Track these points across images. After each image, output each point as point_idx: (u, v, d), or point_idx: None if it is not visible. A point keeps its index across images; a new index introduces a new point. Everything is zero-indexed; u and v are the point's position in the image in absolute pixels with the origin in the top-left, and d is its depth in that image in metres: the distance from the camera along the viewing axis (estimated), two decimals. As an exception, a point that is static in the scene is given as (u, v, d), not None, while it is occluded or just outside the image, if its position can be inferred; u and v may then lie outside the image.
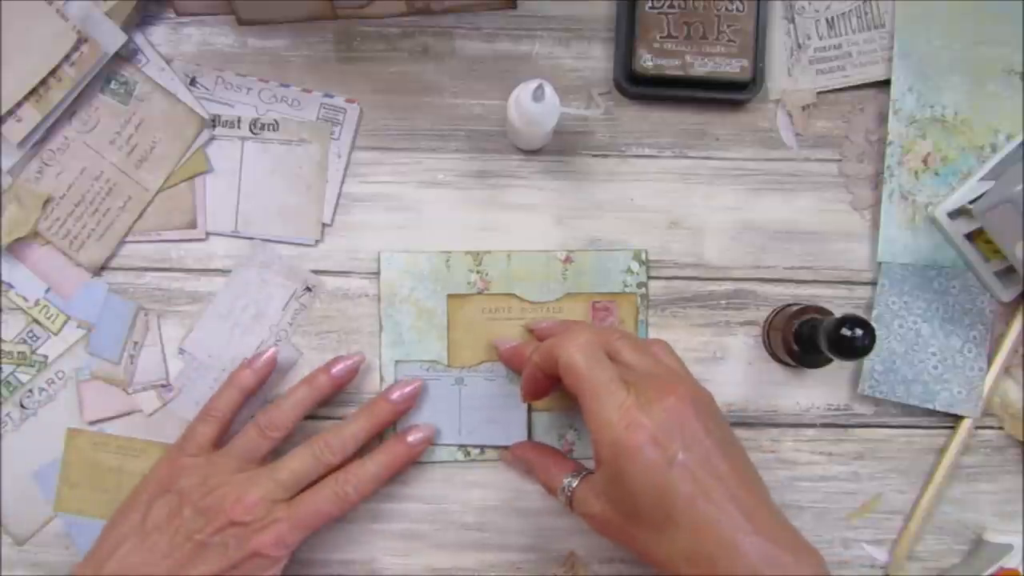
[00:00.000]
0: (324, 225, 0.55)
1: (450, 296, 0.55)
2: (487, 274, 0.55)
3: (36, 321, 0.54)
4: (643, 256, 0.56)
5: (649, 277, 0.56)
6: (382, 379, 0.55)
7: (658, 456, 0.41)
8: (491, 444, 0.55)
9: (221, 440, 0.51)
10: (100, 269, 0.54)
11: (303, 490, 0.50)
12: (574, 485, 0.48)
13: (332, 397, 0.54)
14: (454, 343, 0.55)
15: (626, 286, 0.56)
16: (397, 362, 0.55)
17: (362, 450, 0.52)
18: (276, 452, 0.51)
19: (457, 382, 0.55)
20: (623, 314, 0.56)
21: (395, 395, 0.53)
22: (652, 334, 0.56)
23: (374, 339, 0.55)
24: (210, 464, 0.50)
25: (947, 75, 0.56)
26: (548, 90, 0.48)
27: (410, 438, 0.53)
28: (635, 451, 0.42)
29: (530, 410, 0.55)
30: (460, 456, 0.55)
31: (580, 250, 0.56)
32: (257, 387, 0.53)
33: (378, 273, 0.55)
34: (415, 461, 0.54)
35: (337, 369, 0.52)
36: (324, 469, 0.50)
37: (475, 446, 0.55)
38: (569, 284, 0.56)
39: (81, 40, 0.51)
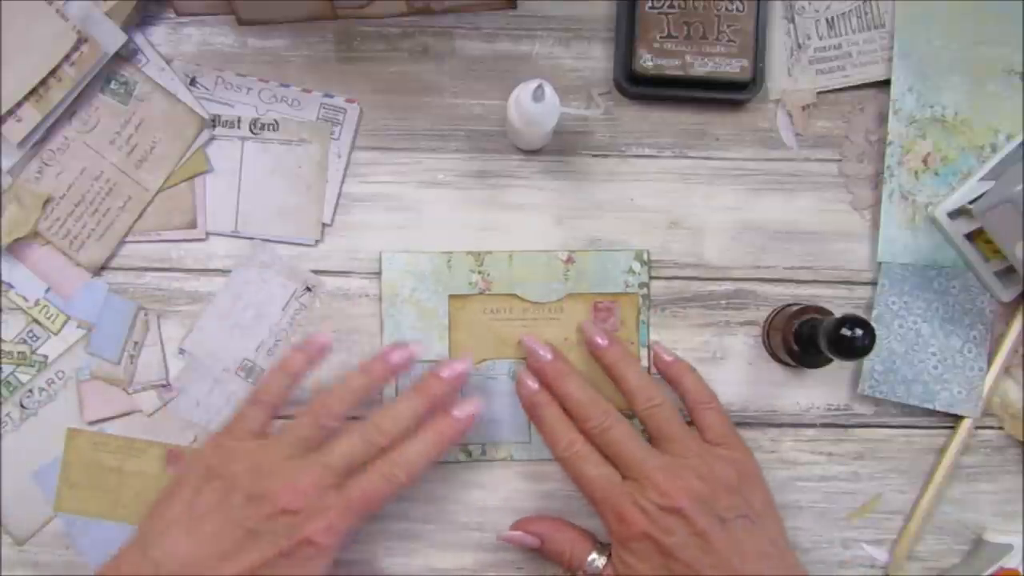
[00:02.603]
0: (324, 225, 0.55)
1: (451, 296, 0.55)
2: (488, 274, 0.55)
3: (36, 321, 0.54)
4: (645, 256, 0.56)
5: (651, 277, 0.56)
6: (382, 379, 0.55)
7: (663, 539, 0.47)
8: (493, 443, 0.55)
9: (268, 426, 0.50)
10: (100, 269, 0.54)
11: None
12: (600, 566, 0.50)
13: (385, 385, 0.52)
14: (456, 343, 0.55)
15: (628, 286, 0.56)
16: (397, 362, 0.55)
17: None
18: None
19: (457, 382, 0.55)
20: (624, 314, 0.56)
21: (445, 372, 0.51)
22: (652, 334, 0.56)
23: (374, 339, 0.55)
24: (261, 450, 0.48)
25: (947, 75, 0.56)
26: (548, 90, 0.48)
27: (456, 412, 0.50)
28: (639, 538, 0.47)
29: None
30: (462, 456, 0.55)
31: (581, 250, 0.56)
32: (307, 372, 0.51)
33: (379, 273, 0.55)
34: (463, 437, 0.52)
35: (393, 357, 0.51)
36: (375, 451, 0.48)
37: (476, 446, 0.55)
38: (571, 284, 0.56)
39: (81, 40, 0.51)
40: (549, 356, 0.53)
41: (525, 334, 0.54)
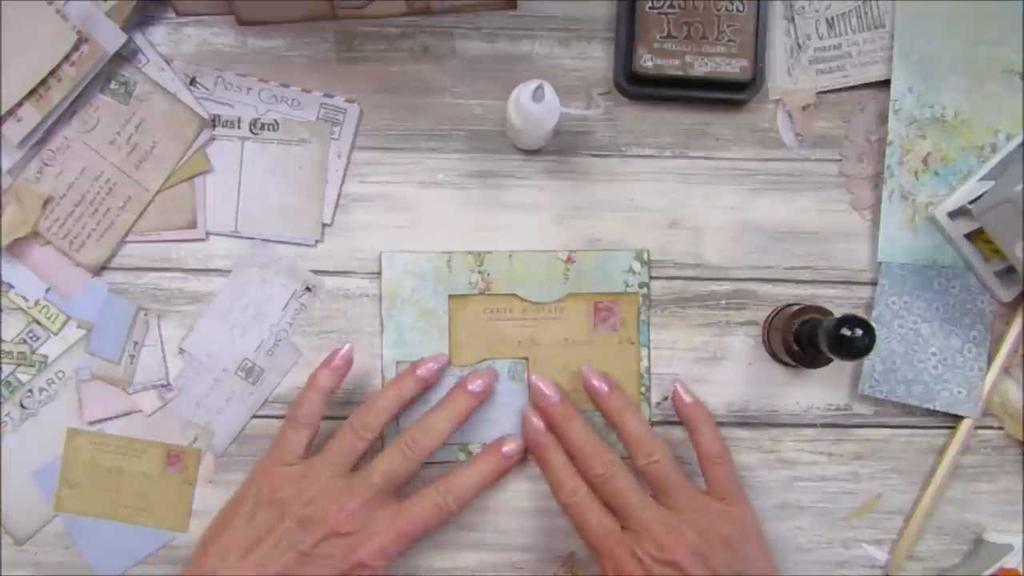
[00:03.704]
0: (324, 225, 0.55)
1: (451, 296, 0.55)
2: (488, 274, 0.55)
3: (36, 321, 0.54)
4: (645, 256, 0.56)
5: (651, 277, 0.56)
6: (384, 380, 0.55)
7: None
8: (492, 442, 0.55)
9: (311, 445, 0.51)
10: (100, 269, 0.54)
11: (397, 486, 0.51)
12: None
13: (419, 397, 0.54)
14: (456, 343, 0.55)
15: (628, 286, 0.56)
16: (398, 363, 0.55)
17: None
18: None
19: (458, 382, 0.55)
20: (625, 314, 0.56)
21: (472, 385, 0.53)
22: (653, 334, 0.56)
23: (374, 339, 0.55)
24: (308, 472, 0.50)
25: (947, 75, 0.56)
26: (548, 90, 0.48)
27: (505, 449, 0.53)
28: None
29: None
30: (461, 456, 0.55)
31: (581, 250, 0.56)
32: (337, 386, 0.52)
33: (379, 273, 0.55)
34: (511, 469, 0.54)
35: (422, 371, 0.53)
36: (414, 465, 0.51)
37: (476, 446, 0.55)
38: (571, 284, 0.56)
39: (81, 40, 0.51)
40: (556, 398, 0.53)
41: (534, 373, 0.55)
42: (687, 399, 0.54)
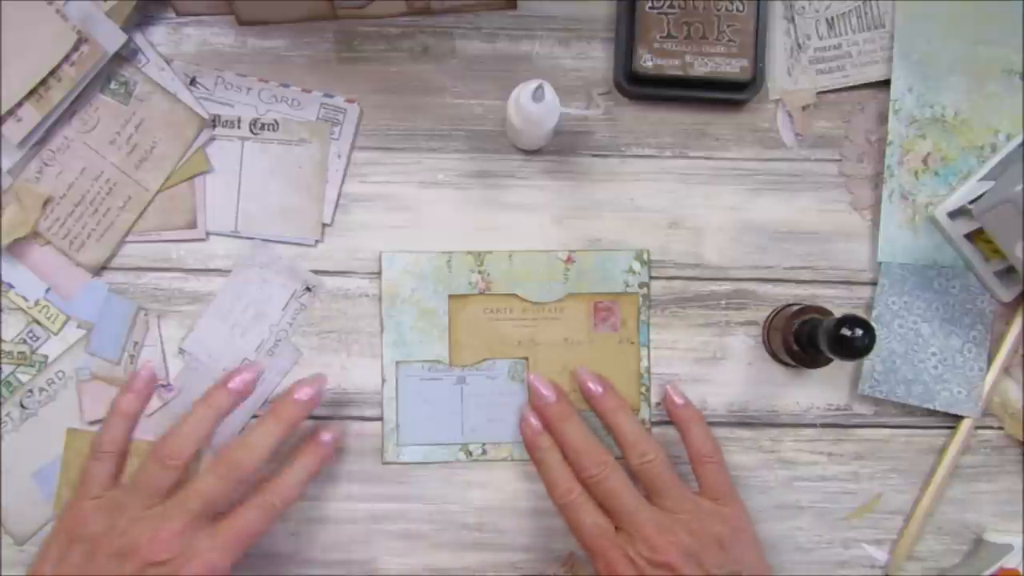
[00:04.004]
0: (324, 225, 0.55)
1: (451, 296, 0.55)
2: (488, 274, 0.55)
3: (36, 321, 0.54)
4: (645, 256, 0.56)
5: (651, 277, 0.56)
6: (384, 380, 0.55)
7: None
8: (494, 442, 0.55)
9: (119, 474, 0.50)
10: (100, 269, 0.54)
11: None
12: None
13: (229, 414, 0.50)
14: (455, 343, 0.55)
15: (628, 286, 0.56)
16: (398, 362, 0.55)
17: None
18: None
19: (459, 381, 0.55)
20: (625, 314, 0.56)
21: (299, 394, 0.50)
22: (652, 334, 0.56)
23: (373, 339, 0.55)
24: (115, 504, 0.47)
25: (947, 75, 0.56)
26: (548, 90, 0.48)
27: (324, 437, 0.52)
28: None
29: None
30: (462, 456, 0.55)
31: (581, 250, 0.56)
32: (141, 409, 0.51)
33: (379, 273, 0.55)
34: (332, 458, 0.53)
35: (234, 383, 0.50)
36: (235, 486, 0.48)
37: (477, 446, 0.55)
38: (571, 284, 0.56)
39: (81, 40, 0.51)
40: (552, 398, 0.53)
41: (532, 373, 0.55)
42: (678, 400, 0.54)
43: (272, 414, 0.50)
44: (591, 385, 0.53)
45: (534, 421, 0.53)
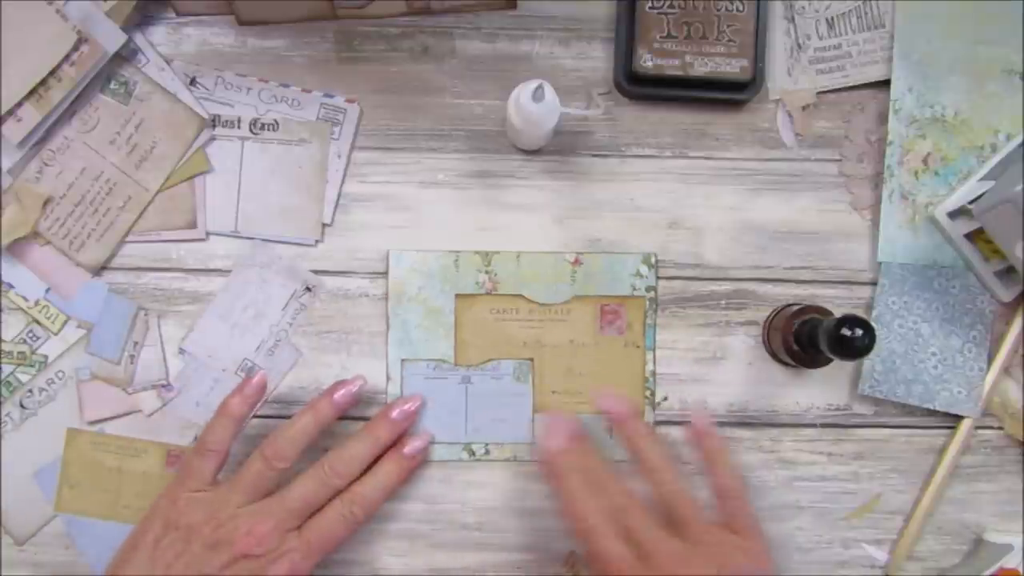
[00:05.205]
0: (324, 225, 0.55)
1: (458, 296, 0.55)
2: (496, 274, 0.55)
3: (36, 321, 0.54)
4: (652, 260, 0.56)
5: (657, 278, 0.56)
6: (388, 378, 0.55)
7: None
8: (497, 442, 0.55)
9: (219, 472, 0.51)
10: (100, 269, 0.54)
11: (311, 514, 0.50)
12: None
13: (334, 422, 0.52)
14: (461, 342, 0.55)
15: (635, 289, 0.56)
16: (403, 360, 0.55)
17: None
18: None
19: (464, 381, 0.55)
20: (631, 318, 0.56)
21: (395, 413, 0.53)
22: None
23: (374, 339, 0.55)
24: (216, 498, 0.49)
25: (947, 75, 0.56)
26: (548, 90, 0.48)
27: (407, 450, 0.53)
28: None
29: (535, 409, 0.55)
30: (465, 456, 0.55)
31: (589, 252, 0.56)
32: (249, 414, 0.51)
33: (381, 273, 0.55)
34: (416, 469, 0.54)
35: (339, 395, 0.51)
36: (331, 492, 0.50)
37: (480, 446, 0.55)
38: (577, 287, 0.56)
39: (81, 40, 0.51)
40: (626, 411, 0.52)
41: (546, 412, 0.54)
42: (706, 429, 0.52)
43: (370, 430, 0.52)
44: (616, 410, 0.52)
45: (554, 443, 0.51)
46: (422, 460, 0.54)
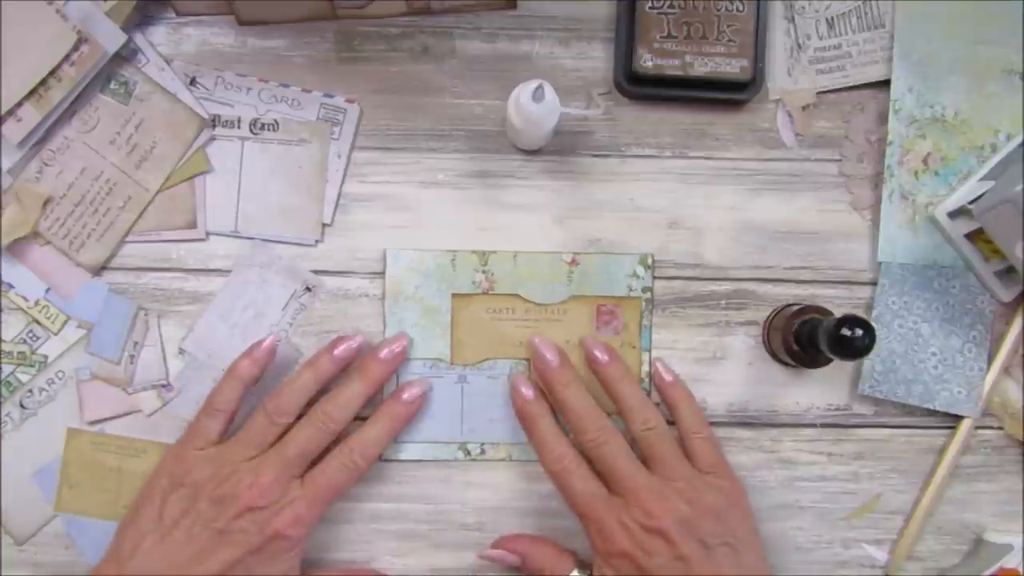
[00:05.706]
0: (324, 225, 0.55)
1: (455, 295, 0.55)
2: (492, 274, 0.55)
3: (36, 321, 0.54)
4: (649, 261, 0.56)
5: (654, 279, 0.56)
6: (382, 379, 0.55)
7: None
8: (492, 442, 0.55)
9: (226, 432, 0.52)
10: (100, 269, 0.54)
11: (312, 463, 0.51)
12: None
13: (335, 378, 0.53)
14: (457, 342, 0.55)
15: (631, 290, 0.56)
16: (398, 361, 0.55)
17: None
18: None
19: (460, 380, 0.55)
20: (627, 318, 0.56)
21: (383, 353, 0.53)
22: (653, 335, 0.56)
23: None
24: (220, 455, 0.50)
25: (947, 75, 0.56)
26: (548, 90, 0.48)
27: (405, 396, 0.53)
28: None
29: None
30: (460, 455, 0.55)
31: (586, 253, 0.56)
32: (258, 377, 0.52)
33: (380, 273, 0.55)
34: (414, 417, 0.54)
35: (339, 350, 0.52)
36: (329, 438, 0.51)
37: (475, 445, 0.55)
38: (574, 287, 0.56)
39: (81, 40, 0.51)
40: (556, 362, 0.53)
41: (535, 335, 0.55)
42: (667, 377, 0.54)
43: (359, 372, 0.52)
44: (597, 353, 0.53)
45: (525, 390, 0.53)
46: (420, 406, 0.54)
